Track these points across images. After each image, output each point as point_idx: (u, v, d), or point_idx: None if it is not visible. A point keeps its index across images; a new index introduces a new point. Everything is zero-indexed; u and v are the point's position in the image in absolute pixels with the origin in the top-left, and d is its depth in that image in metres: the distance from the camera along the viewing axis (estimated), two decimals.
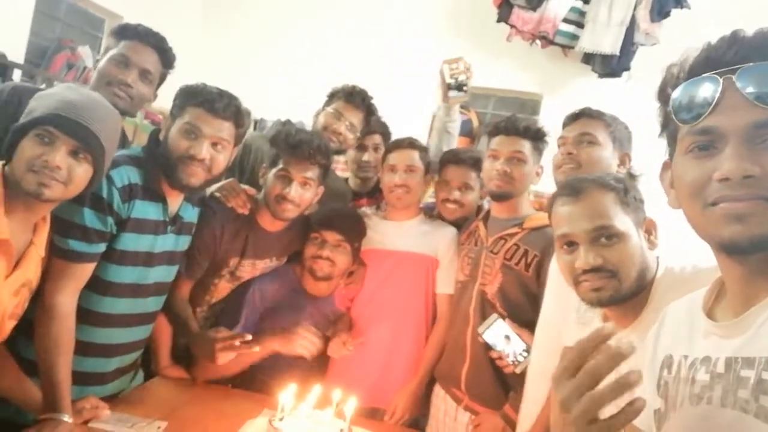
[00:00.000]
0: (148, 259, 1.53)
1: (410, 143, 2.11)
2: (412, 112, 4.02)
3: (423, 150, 2.12)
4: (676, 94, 0.74)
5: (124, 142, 1.78)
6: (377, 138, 2.40)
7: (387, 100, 3.93)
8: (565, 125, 1.67)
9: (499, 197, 1.88)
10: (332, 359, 2.08)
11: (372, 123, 2.29)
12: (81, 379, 1.42)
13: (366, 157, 2.40)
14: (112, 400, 1.55)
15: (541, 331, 1.61)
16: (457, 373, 1.87)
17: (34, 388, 1.34)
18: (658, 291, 1.14)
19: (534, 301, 1.75)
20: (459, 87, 2.22)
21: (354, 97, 2.17)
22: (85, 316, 1.42)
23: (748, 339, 0.69)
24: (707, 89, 0.70)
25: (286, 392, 1.51)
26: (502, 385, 1.77)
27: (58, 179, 1.16)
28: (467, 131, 4.03)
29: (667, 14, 3.47)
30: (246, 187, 1.92)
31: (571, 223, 1.18)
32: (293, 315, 1.93)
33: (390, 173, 2.08)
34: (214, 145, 1.50)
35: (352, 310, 2.10)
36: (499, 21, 3.82)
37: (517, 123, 1.86)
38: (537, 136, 1.86)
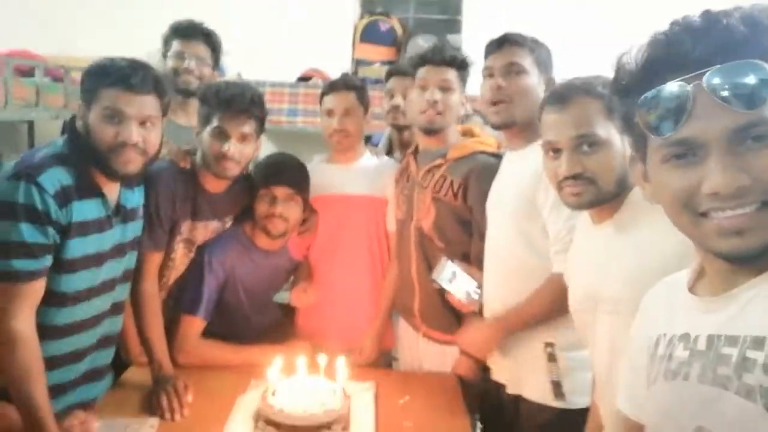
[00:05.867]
0: (99, 259, 1.44)
1: (345, 84, 2.04)
2: (331, 24, 3.82)
3: (360, 89, 2.05)
4: (642, 103, 0.70)
5: None
6: (409, 81, 2.04)
7: (302, 17, 3.75)
8: (488, 54, 1.63)
9: (431, 131, 1.85)
10: (299, 313, 2.12)
11: (401, 64, 2.23)
12: (53, 390, 1.35)
13: (396, 100, 2.15)
14: (94, 404, 1.52)
15: (492, 258, 1.69)
16: (410, 305, 1.94)
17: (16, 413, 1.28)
18: (635, 193, 1.18)
19: (468, 229, 1.81)
20: None
21: (184, 30, 2.15)
22: (45, 331, 1.34)
23: (732, 316, 0.69)
24: (677, 98, 0.66)
25: (272, 366, 1.52)
26: (453, 311, 1.83)
27: None
28: (392, 41, 3.87)
29: None
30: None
31: (557, 130, 1.23)
32: (252, 275, 1.92)
33: (327, 117, 2.03)
34: (142, 124, 1.38)
35: (310, 257, 2.11)
36: None
37: (443, 52, 1.83)
38: (462, 65, 1.84)
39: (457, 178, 1.81)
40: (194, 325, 1.80)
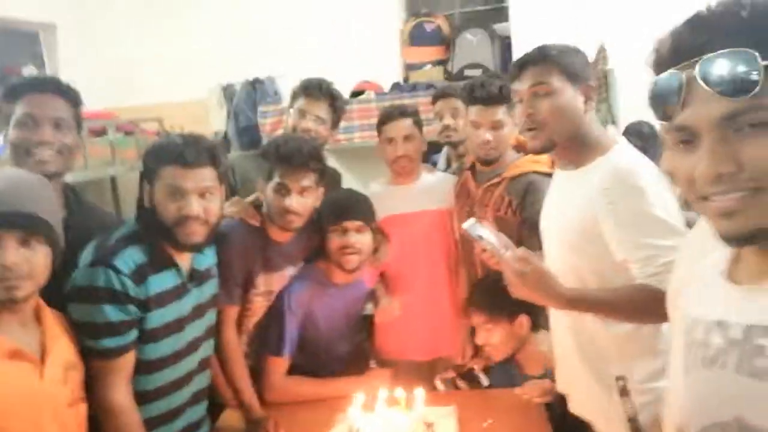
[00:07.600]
0: (180, 324, 1.53)
1: (401, 112, 2.14)
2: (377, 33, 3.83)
3: (414, 115, 2.16)
4: (649, 90, 0.72)
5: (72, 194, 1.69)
6: (453, 102, 2.23)
7: (348, 28, 3.78)
8: (512, 78, 1.52)
9: (487, 163, 1.98)
10: (378, 334, 2.20)
11: (444, 88, 2.35)
12: None
13: (446, 120, 2.25)
14: None
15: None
16: None
17: None
18: None
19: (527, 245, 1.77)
20: None
21: (311, 90, 2.14)
22: (139, 396, 1.44)
23: None
24: (672, 86, 0.69)
25: (354, 404, 1.57)
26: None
27: (22, 276, 1.13)
28: (439, 40, 3.83)
29: None
30: (250, 198, 1.91)
31: None
32: (330, 309, 1.98)
33: (388, 145, 2.13)
34: (201, 196, 1.45)
35: (390, 273, 2.20)
36: None
37: (491, 90, 1.89)
38: (511, 99, 1.79)
39: (514, 197, 1.88)
40: (279, 364, 1.88)
